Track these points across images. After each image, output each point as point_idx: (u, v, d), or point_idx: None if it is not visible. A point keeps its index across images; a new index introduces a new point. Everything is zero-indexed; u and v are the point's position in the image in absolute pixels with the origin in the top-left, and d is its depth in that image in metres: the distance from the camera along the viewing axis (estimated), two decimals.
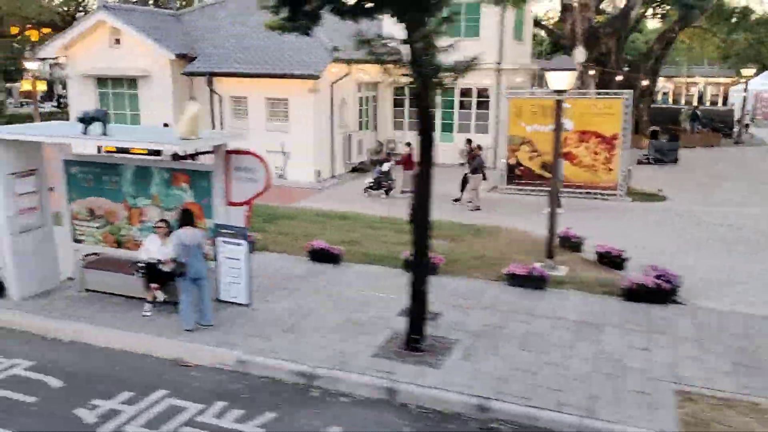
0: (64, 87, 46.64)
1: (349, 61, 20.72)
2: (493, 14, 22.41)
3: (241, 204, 9.36)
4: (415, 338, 7.95)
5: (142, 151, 9.71)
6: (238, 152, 9.36)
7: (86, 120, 8.43)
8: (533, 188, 18.40)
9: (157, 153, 9.82)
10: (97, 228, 10.22)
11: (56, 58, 23.31)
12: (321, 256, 11.70)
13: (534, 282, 10.29)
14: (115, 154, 10.21)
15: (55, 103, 47.21)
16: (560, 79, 10.65)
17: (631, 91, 18.45)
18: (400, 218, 15.29)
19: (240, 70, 20.04)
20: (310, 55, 20.00)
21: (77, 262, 10.18)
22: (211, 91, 20.89)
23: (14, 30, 36.13)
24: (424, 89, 7.40)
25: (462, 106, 24.20)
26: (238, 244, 9.30)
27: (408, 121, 25.05)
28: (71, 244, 10.44)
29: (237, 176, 9.26)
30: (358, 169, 22.57)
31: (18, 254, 9.64)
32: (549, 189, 11.76)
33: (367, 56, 7.39)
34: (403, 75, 7.31)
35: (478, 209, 16.56)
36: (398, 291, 10.00)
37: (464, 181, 17.57)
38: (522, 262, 10.94)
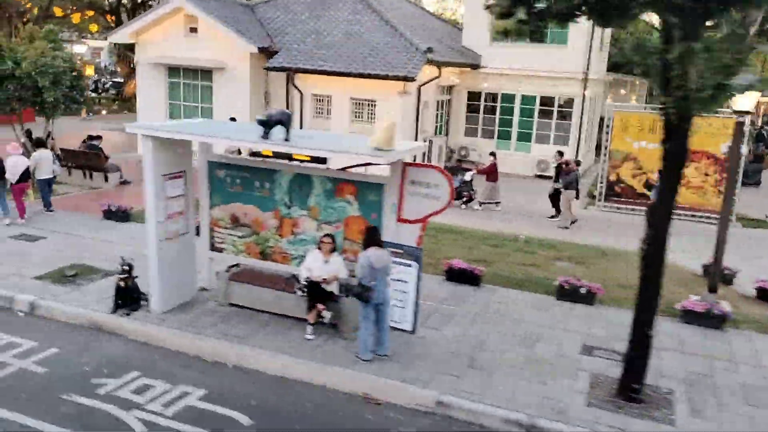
0: (109, 73, 45.93)
1: (441, 64, 19.92)
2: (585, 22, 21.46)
3: (414, 222, 8.49)
4: (635, 388, 7.08)
5: (304, 158, 8.85)
6: (416, 165, 8.46)
7: (270, 123, 7.56)
8: (631, 207, 17.50)
9: (322, 161, 8.94)
10: (240, 237, 9.39)
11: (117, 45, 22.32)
12: (460, 276, 10.84)
13: (712, 320, 9.42)
14: (269, 159, 9.37)
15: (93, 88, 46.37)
16: (745, 100, 9.76)
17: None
18: (508, 233, 14.47)
19: (328, 67, 19.15)
20: (398, 56, 19.14)
21: (220, 274, 9.34)
22: (294, 87, 20.00)
23: (59, 12, 35.34)
24: (682, 118, 6.28)
25: (541, 115, 23.27)
26: (408, 266, 8.45)
27: (482, 128, 24.14)
28: (207, 252, 9.62)
29: (413, 191, 8.37)
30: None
31: (163, 263, 8.80)
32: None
33: (637, 70, 6.44)
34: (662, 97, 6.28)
35: (567, 228, 15.70)
36: (563, 323, 9.18)
37: (553, 197, 16.70)
38: (675, 294, 10.12)
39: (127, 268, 8.74)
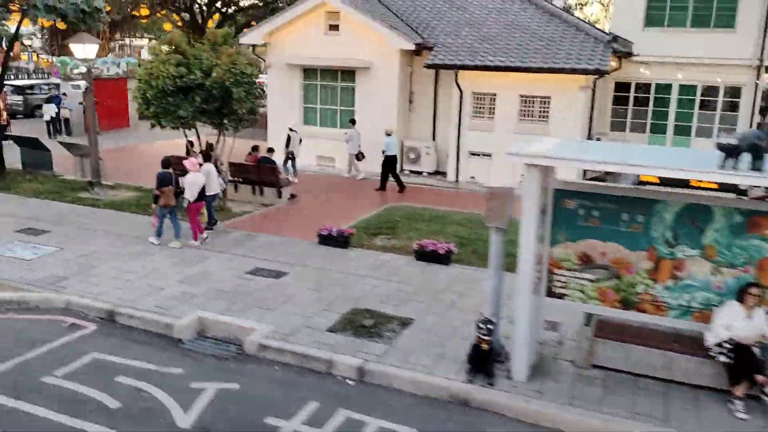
0: None
1: (624, 55, 18.16)
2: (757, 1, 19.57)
3: None
4: None
5: (708, 185, 7.19)
6: None
7: (739, 149, 5.90)
8: None
9: (738, 190, 7.28)
10: (592, 281, 7.76)
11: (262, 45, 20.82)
12: None
13: None
14: (647, 186, 7.72)
15: None
16: None
17: None
18: None
19: (499, 62, 17.44)
20: (579, 47, 17.41)
21: (580, 329, 7.74)
22: (456, 86, 18.30)
23: (145, 12, 33.88)
24: None
25: (702, 106, 21.38)
26: None
27: (630, 121, 22.30)
28: (542, 298, 8.03)
29: None
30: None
31: (530, 320, 7.23)
32: None
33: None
34: None
35: None
36: None
37: None
38: None
39: (490, 327, 7.18)
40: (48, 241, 11.76)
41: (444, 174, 19.39)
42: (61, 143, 17.97)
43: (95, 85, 26.48)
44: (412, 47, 18.31)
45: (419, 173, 19.53)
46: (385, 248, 12.04)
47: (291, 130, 17.92)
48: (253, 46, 21.02)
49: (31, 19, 14.98)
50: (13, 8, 15.36)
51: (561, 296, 7.95)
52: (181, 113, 13.13)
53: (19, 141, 17.86)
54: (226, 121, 13.80)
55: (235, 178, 15.50)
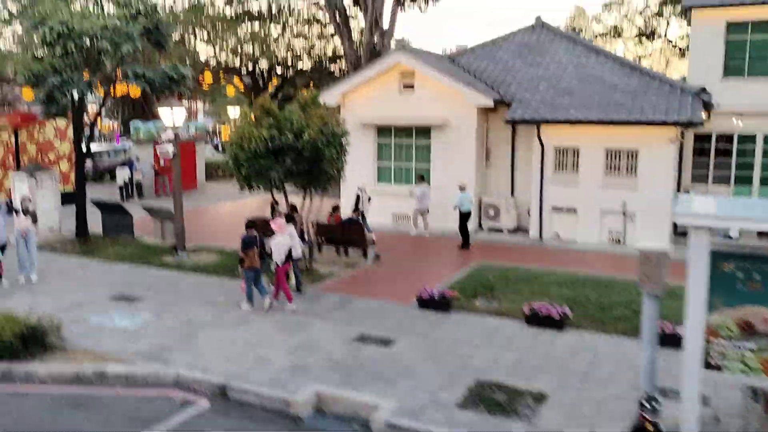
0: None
1: (708, 106, 17.54)
2: None
3: None
4: None
5: None
6: None
7: None
8: None
9: None
10: (754, 351, 7.00)
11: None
12: None
13: None
14: None
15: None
16: None
17: None
18: None
19: (582, 116, 17.00)
20: (664, 99, 16.88)
21: (748, 406, 6.95)
22: (539, 141, 17.87)
23: (209, 78, 34.77)
24: None
25: None
26: None
27: (713, 173, 21.39)
28: (697, 371, 7.26)
29: None
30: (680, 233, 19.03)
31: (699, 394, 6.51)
32: None
33: None
34: None
35: None
36: None
37: None
38: None
39: (656, 405, 6.47)
40: (144, 309, 11.54)
41: (525, 231, 18.80)
42: (144, 207, 18.07)
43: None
44: (491, 104, 18.06)
45: (499, 230, 18.98)
46: (490, 311, 11.44)
47: (360, 189, 17.81)
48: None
49: (124, 84, 15.23)
50: (115, 78, 15.71)
51: (718, 368, 7.19)
52: (273, 175, 12.97)
53: (101, 206, 18.04)
54: (314, 182, 13.56)
55: (319, 239, 15.21)
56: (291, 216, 14.09)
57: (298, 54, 36.90)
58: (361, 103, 20.11)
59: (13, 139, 20.75)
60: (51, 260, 15.01)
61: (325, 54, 37.86)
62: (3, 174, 20.63)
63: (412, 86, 19.44)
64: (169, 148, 15.05)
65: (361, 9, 29.38)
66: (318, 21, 36.64)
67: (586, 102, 17.52)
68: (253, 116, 13.50)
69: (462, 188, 17.26)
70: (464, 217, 17.03)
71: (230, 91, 38.21)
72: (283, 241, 11.92)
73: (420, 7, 34.56)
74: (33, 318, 9.59)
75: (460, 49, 22.90)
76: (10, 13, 14.45)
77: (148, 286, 13.02)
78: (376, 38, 28.53)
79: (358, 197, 17.56)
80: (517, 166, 19.30)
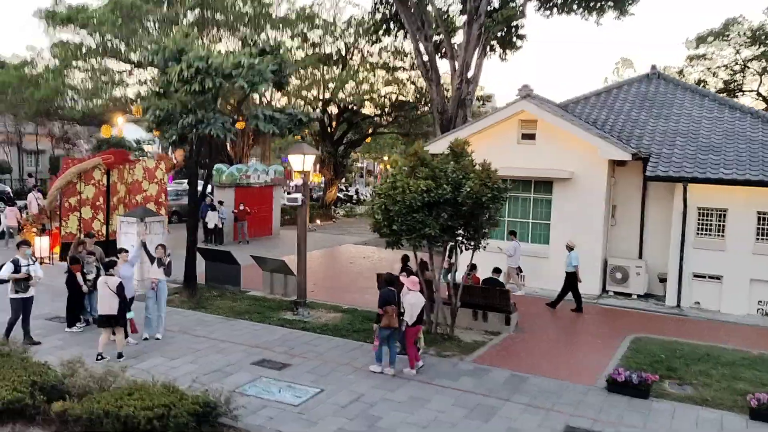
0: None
1: None
2: None
3: None
4: None
5: None
6: None
7: None
8: None
9: None
10: None
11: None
12: None
13: None
14: None
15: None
16: None
17: None
18: None
19: (737, 176, 15.54)
20: None
21: None
22: (682, 200, 16.41)
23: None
24: None
25: None
26: None
27: None
28: None
29: None
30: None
31: None
32: None
33: None
34: None
35: None
36: None
37: None
38: None
39: None
40: (299, 379, 10.20)
41: (656, 297, 17.26)
42: (252, 257, 16.90)
43: (242, 193, 26.21)
44: (627, 158, 16.76)
45: (627, 295, 17.43)
46: (694, 400, 9.90)
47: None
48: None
49: (253, 126, 14.24)
50: (240, 118, 14.76)
51: None
52: (428, 231, 11.71)
53: (208, 254, 16.93)
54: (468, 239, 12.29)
55: (454, 301, 13.80)
56: (421, 273, 12.86)
57: (372, 98, 36.14)
58: (479, 152, 18.88)
59: (105, 179, 19.88)
60: None
61: (397, 99, 37.12)
62: (93, 215, 19.70)
63: (532, 136, 18.26)
64: (298, 196, 13.91)
65: (446, 57, 28.57)
66: (388, 67, 35.97)
67: (736, 160, 16.12)
68: (402, 166, 12.34)
69: (571, 247, 15.82)
70: (572, 277, 15.61)
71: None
72: (418, 300, 10.88)
73: (500, 56, 33.83)
74: (199, 391, 8.30)
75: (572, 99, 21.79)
76: (151, 51, 13.51)
77: (285, 350, 11.71)
78: (462, 85, 27.64)
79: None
80: (647, 226, 17.86)
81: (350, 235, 30.38)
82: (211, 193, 26.49)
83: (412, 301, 10.80)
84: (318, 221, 33.43)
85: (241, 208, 25.62)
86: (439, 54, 29.59)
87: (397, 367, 10.73)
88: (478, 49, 27.57)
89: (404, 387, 10.03)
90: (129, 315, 10.61)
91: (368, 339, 12.08)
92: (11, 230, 22.04)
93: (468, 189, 11.57)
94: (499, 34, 28.42)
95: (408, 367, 10.73)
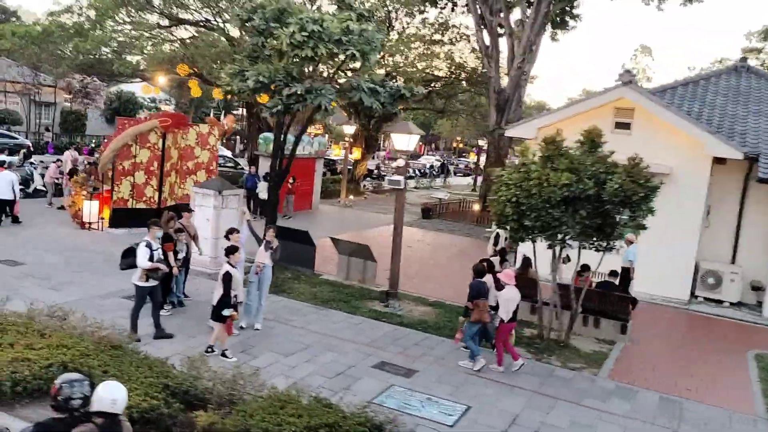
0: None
1: None
2: None
3: None
4: None
5: None
6: None
7: None
8: None
9: None
10: None
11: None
12: None
13: None
14: None
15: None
16: None
17: None
18: None
19: None
20: None
21: None
22: None
23: None
24: None
25: None
26: None
27: None
28: None
29: None
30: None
31: None
32: None
33: None
34: None
35: None
36: None
37: None
38: None
39: None
40: (430, 388, 9.13)
41: (748, 306, 16.30)
42: (331, 239, 15.69)
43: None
44: (739, 156, 15.59)
45: (718, 302, 16.41)
46: None
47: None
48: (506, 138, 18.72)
49: (349, 99, 12.90)
50: (335, 87, 13.41)
51: None
52: (565, 230, 10.54)
53: (285, 233, 15.68)
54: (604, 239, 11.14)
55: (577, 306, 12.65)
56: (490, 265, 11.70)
57: (408, 71, 34.49)
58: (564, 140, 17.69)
59: (160, 143, 18.50)
60: None
61: (432, 74, 35.47)
62: (147, 180, 18.35)
63: (627, 125, 17.02)
64: (400, 179, 12.66)
65: (506, 34, 27.14)
66: (426, 40, 34.25)
67: None
68: (537, 156, 11.13)
69: (630, 242, 14.55)
70: (627, 272, 14.40)
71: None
72: (513, 296, 10.14)
73: (551, 36, 32.45)
74: (356, 407, 7.17)
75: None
76: (247, 10, 12.12)
77: (400, 350, 10.60)
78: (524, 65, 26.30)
79: (497, 236, 15.98)
80: (743, 229, 16.77)
81: (387, 213, 29.09)
82: (255, 162, 25.21)
83: (508, 296, 10.08)
84: (351, 197, 32.14)
85: (291, 181, 24.24)
86: (487, 30, 28.13)
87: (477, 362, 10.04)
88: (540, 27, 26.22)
89: (558, 408, 8.95)
90: (226, 312, 9.21)
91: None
92: (59, 186, 20.74)
93: (616, 186, 10.36)
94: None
95: (497, 364, 10.07)
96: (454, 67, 35.54)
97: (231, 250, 9.45)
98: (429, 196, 35.76)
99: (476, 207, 30.12)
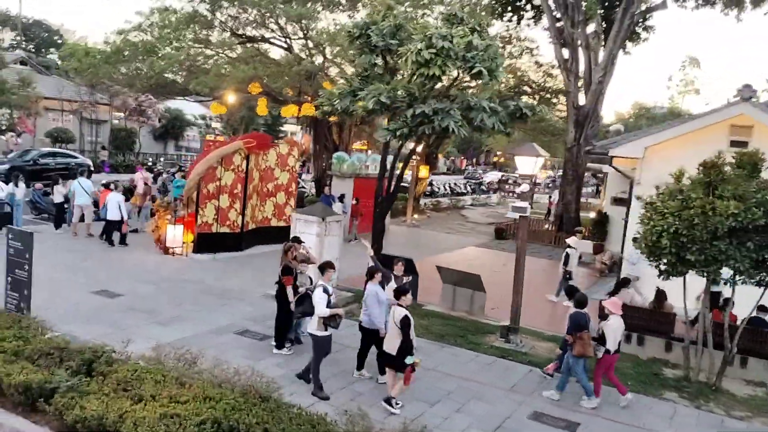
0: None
1: None
2: None
3: None
4: None
5: None
6: None
7: None
8: None
9: None
10: None
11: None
12: None
13: None
14: None
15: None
16: None
17: None
18: None
19: None
20: None
21: None
22: None
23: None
24: None
25: None
26: None
27: None
28: None
29: None
30: None
31: None
32: None
33: None
34: None
35: None
36: None
37: None
38: None
39: None
40: None
41: None
42: (438, 267, 14.80)
43: (358, 185, 24.04)
44: None
45: None
46: None
47: (569, 247, 15.87)
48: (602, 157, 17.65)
49: (470, 120, 12.00)
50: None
51: None
52: (737, 265, 9.46)
53: (382, 260, 14.81)
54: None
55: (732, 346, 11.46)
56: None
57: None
58: (670, 159, 16.51)
59: (243, 165, 17.86)
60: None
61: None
62: (230, 203, 17.70)
63: (744, 143, 15.81)
64: (525, 206, 11.72)
65: (581, 46, 26.09)
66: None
67: None
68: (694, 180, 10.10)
69: None
70: None
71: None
72: (621, 326, 9.60)
73: (623, 50, 31.27)
74: None
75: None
76: (360, 26, 11.39)
77: (556, 402, 9.58)
78: (600, 80, 25.23)
79: (567, 256, 15.68)
80: None
81: (457, 234, 28.19)
82: (328, 184, 24.50)
83: (615, 325, 9.46)
84: (416, 216, 31.29)
85: (355, 202, 23.43)
86: (562, 43, 27.07)
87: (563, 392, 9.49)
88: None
89: None
90: (409, 360, 8.34)
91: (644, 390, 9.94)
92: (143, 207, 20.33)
93: None
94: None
95: (594, 396, 9.45)
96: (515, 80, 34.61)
97: (402, 292, 8.57)
98: (491, 214, 34.71)
99: (546, 227, 28.87)
